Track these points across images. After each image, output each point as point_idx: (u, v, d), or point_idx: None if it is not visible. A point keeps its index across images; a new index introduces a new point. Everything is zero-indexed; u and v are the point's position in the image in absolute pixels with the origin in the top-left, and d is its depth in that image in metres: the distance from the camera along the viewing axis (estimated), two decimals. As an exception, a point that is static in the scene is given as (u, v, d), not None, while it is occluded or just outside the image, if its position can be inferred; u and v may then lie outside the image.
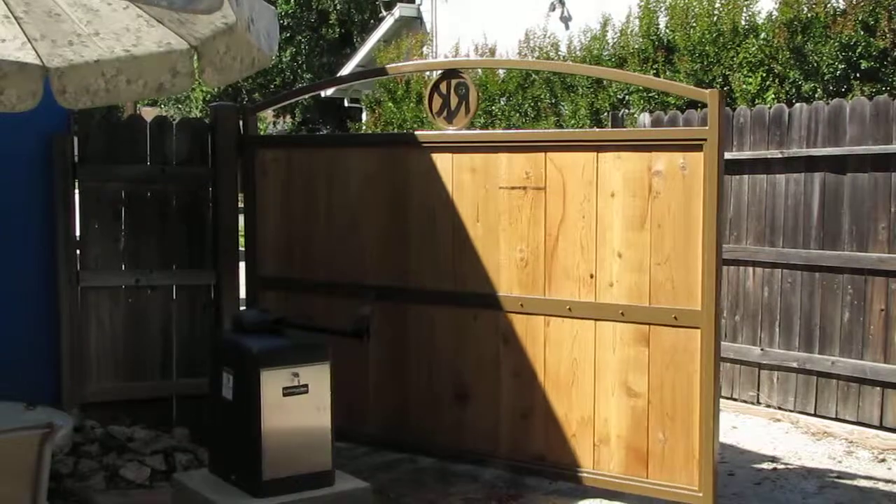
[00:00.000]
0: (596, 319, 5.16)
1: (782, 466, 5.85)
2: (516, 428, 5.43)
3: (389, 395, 5.81)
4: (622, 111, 9.07)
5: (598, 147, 5.15)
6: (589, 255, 5.17)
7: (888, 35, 7.68)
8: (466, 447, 5.56)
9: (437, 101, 5.66)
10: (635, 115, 9.05)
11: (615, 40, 10.39)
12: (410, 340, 5.70)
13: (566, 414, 5.29)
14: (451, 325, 5.57)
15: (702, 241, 4.86)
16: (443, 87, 5.65)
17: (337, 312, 5.59)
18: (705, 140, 4.84)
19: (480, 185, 5.48)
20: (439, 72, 5.73)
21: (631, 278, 5.06)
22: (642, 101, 9.40)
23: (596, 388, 5.19)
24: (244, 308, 5.89)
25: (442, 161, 5.60)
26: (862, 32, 7.79)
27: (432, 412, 5.65)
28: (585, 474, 5.23)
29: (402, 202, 5.71)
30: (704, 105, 5.13)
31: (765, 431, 6.59)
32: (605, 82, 10.15)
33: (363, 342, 5.01)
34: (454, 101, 5.58)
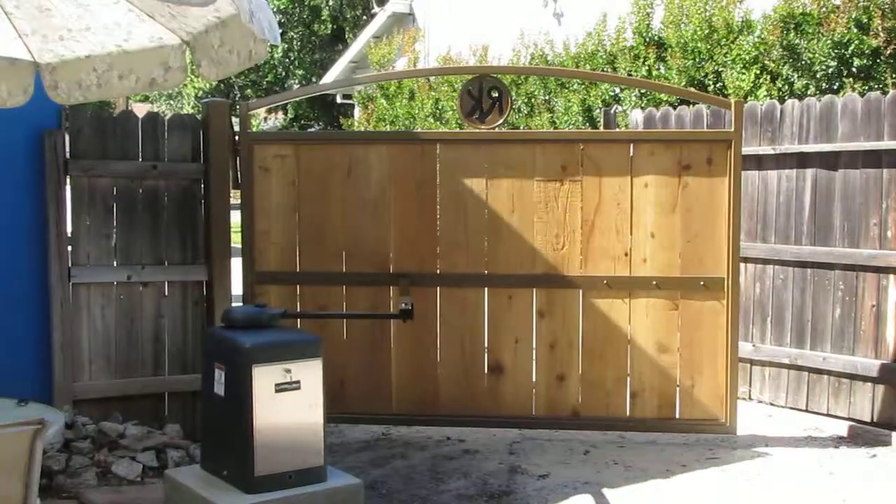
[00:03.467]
0: (631, 290, 6.16)
1: (775, 462, 5.86)
2: (551, 391, 6.25)
3: (419, 374, 6.29)
4: (614, 108, 9.07)
5: (634, 144, 6.22)
6: (624, 237, 6.15)
7: (881, 34, 7.69)
8: (501, 414, 6.27)
9: (469, 103, 6.20)
10: (627, 112, 9.05)
11: (608, 37, 10.37)
12: (441, 321, 6.25)
13: (601, 374, 6.22)
14: (484, 304, 6.24)
15: (727, 221, 6.07)
16: (473, 89, 6.18)
17: (356, 301, 6.21)
18: (731, 140, 6.12)
19: (516, 178, 6.20)
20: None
21: (663, 254, 6.13)
22: (634, 98, 9.40)
23: (631, 349, 6.18)
24: (238, 304, 5.89)
25: (476, 157, 6.26)
26: (855, 30, 7.79)
27: (465, 386, 6.27)
28: (619, 421, 6.23)
29: (430, 195, 6.26)
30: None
31: (757, 428, 6.60)
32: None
33: (405, 322, 5.75)
34: (486, 103, 6.16)
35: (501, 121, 6.21)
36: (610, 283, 6.15)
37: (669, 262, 6.13)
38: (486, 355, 6.27)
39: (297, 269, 6.29)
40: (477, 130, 6.25)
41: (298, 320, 6.12)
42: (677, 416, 6.21)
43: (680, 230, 6.13)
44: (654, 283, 6.11)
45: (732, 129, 6.15)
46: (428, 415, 6.31)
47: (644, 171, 6.14)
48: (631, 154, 6.17)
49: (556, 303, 6.22)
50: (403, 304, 5.66)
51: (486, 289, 6.26)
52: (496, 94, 6.16)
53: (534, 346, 6.25)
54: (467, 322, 6.27)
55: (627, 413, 6.21)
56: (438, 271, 6.27)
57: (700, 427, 6.19)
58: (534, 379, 6.27)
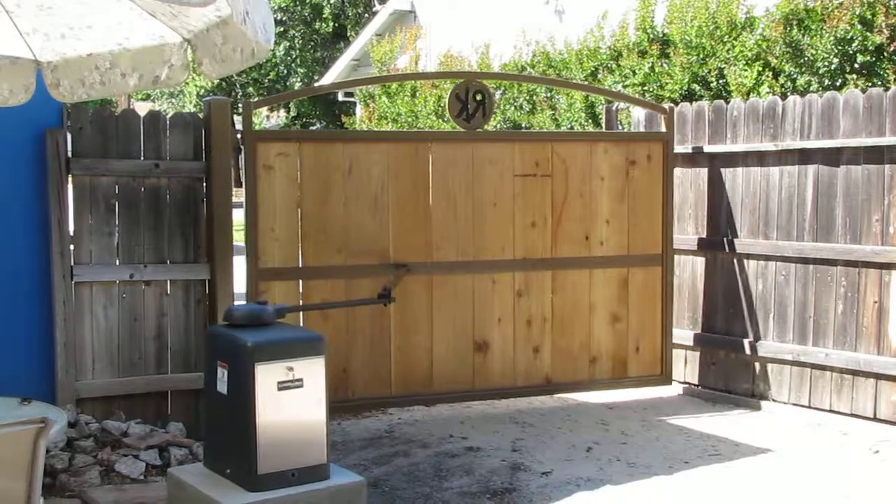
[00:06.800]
0: (591, 269, 7.10)
1: (778, 459, 5.86)
2: (528, 362, 7.01)
3: (415, 358, 6.70)
4: (616, 104, 9.06)
5: (592, 143, 7.17)
6: (585, 223, 7.08)
7: (885, 30, 7.67)
8: (486, 387, 6.90)
9: (456, 105, 6.73)
10: (629, 109, 9.04)
11: (611, 33, 10.37)
12: (435, 306, 6.74)
13: (568, 343, 7.10)
14: (472, 289, 6.82)
15: (662, 207, 7.24)
16: (461, 92, 6.72)
17: (358, 293, 6.46)
18: (665, 140, 7.28)
19: (497, 174, 6.85)
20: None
21: (615, 237, 7.16)
22: (637, 95, 9.39)
23: (591, 320, 7.14)
24: (240, 302, 5.90)
25: (463, 155, 6.79)
26: (859, 27, 7.78)
27: (456, 365, 6.81)
28: (583, 384, 7.17)
29: (424, 190, 6.69)
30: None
31: (759, 424, 6.61)
32: (599, 76, 10.14)
33: (386, 306, 6.26)
34: (472, 105, 6.73)
35: (485, 122, 6.82)
36: (574, 264, 7.04)
37: (620, 243, 7.15)
38: (473, 335, 6.84)
39: (301, 265, 6.42)
40: (464, 130, 6.77)
41: (301, 317, 6.22)
42: (628, 374, 7.25)
43: (628, 216, 7.16)
44: (609, 261, 7.11)
45: (664, 131, 7.28)
46: (424, 394, 6.76)
47: (600, 166, 7.10)
48: (590, 151, 7.09)
49: (531, 284, 6.97)
50: (382, 290, 6.14)
51: (472, 274, 6.82)
52: (480, 98, 6.74)
53: (513, 323, 6.92)
54: (458, 306, 6.80)
55: (588, 376, 7.14)
56: (433, 260, 6.71)
57: (645, 382, 7.31)
58: (514, 353, 6.95)
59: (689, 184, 7.41)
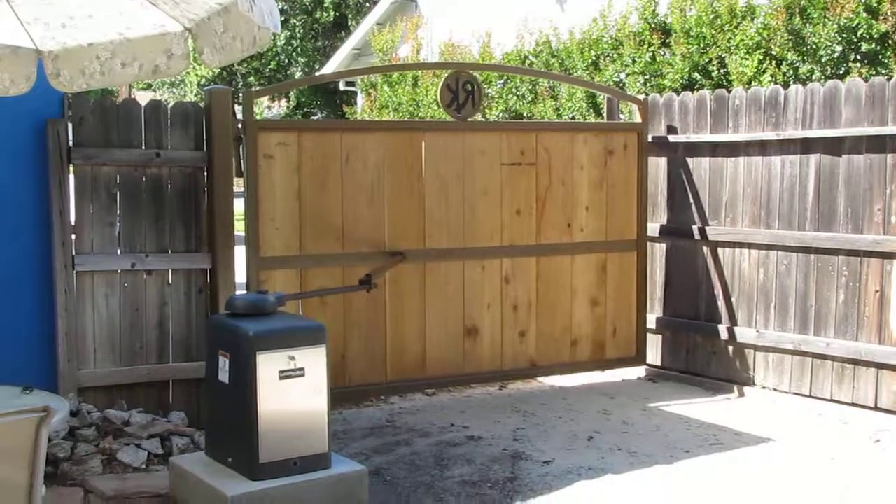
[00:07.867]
0: (572, 254, 7.34)
1: (778, 448, 5.87)
2: (515, 347, 7.22)
3: (409, 344, 6.83)
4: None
5: (573, 132, 7.43)
6: (567, 210, 7.33)
7: (890, 18, 7.64)
8: (476, 371, 7.07)
9: (447, 96, 6.87)
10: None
11: (614, 22, 10.33)
12: (427, 292, 6.87)
13: (551, 327, 7.33)
14: (462, 275, 6.98)
15: (636, 194, 7.52)
16: (452, 83, 6.87)
17: (355, 280, 6.46)
18: (639, 130, 7.55)
19: (486, 164, 7.01)
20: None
21: (594, 223, 7.43)
22: (639, 85, 9.38)
23: (572, 304, 7.39)
24: (241, 291, 5.91)
25: (454, 145, 6.92)
26: (864, 14, 7.75)
27: (448, 350, 6.95)
28: (565, 366, 7.41)
29: (418, 179, 6.79)
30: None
31: (760, 414, 6.61)
32: (601, 65, 10.12)
33: (368, 292, 6.33)
34: (462, 95, 6.87)
35: (475, 112, 7.00)
36: (556, 250, 7.26)
37: (598, 229, 7.41)
38: (464, 320, 6.99)
39: (300, 253, 6.45)
40: (454, 120, 6.90)
41: (300, 305, 6.29)
42: (606, 356, 7.52)
43: (606, 203, 7.42)
44: (588, 246, 7.37)
45: (640, 121, 7.56)
46: (417, 380, 6.89)
47: (581, 155, 7.33)
48: (571, 141, 7.30)
49: (518, 269, 7.16)
50: (363, 276, 6.28)
51: (462, 261, 6.97)
52: (470, 88, 6.89)
53: (501, 308, 7.11)
54: (450, 291, 6.94)
55: (570, 358, 7.37)
56: (425, 248, 6.82)
57: (621, 363, 7.60)
58: (501, 337, 7.13)
59: (691, 172, 7.41)
